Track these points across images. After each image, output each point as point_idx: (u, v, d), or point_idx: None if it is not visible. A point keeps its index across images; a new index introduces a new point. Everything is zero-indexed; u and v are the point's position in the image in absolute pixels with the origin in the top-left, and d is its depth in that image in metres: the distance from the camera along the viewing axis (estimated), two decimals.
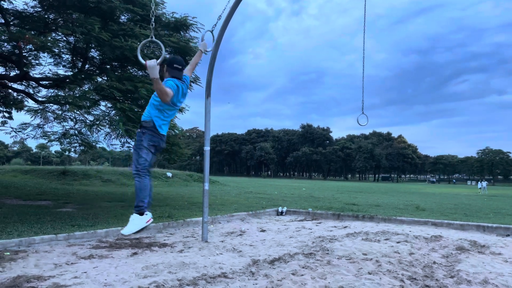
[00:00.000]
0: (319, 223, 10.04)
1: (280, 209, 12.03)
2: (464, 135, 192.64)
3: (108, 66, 11.87)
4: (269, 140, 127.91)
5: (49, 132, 11.75)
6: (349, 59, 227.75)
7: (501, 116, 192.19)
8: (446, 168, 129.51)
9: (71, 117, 11.49)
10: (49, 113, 12.08)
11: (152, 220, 4.27)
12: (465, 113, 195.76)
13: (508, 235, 8.44)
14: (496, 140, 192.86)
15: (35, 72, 11.68)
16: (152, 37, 4.59)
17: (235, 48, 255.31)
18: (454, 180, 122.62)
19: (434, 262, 5.56)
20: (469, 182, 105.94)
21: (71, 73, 11.60)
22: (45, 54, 11.05)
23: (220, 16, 5.98)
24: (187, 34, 11.97)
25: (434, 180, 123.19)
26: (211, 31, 5.48)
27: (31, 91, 12.44)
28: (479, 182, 43.82)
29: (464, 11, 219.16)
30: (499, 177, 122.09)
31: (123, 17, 10.97)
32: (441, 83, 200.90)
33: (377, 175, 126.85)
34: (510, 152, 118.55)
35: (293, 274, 4.85)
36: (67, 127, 11.79)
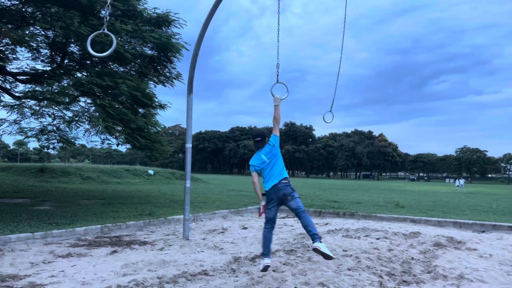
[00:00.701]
0: None
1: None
2: (443, 134, 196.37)
3: (88, 62, 11.66)
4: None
5: (26, 128, 11.47)
6: (331, 58, 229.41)
7: (478, 115, 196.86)
8: (426, 166, 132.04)
9: (49, 113, 11.22)
10: (26, 109, 11.78)
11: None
12: (444, 113, 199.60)
13: (483, 231, 8.66)
14: (474, 139, 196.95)
15: (12, 67, 11.38)
16: (104, 29, 4.77)
17: (219, 45, 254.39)
18: (425, 178, 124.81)
19: (412, 258, 5.66)
20: (447, 180, 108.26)
21: (50, 68, 11.35)
22: (23, 49, 10.77)
23: (278, 64, 5.55)
24: (169, 30, 11.86)
25: (414, 178, 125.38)
26: (284, 83, 5.65)
27: (7, 86, 12.12)
28: (456, 180, 44.80)
29: (444, 12, 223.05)
30: (476, 175, 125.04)
31: (103, 12, 10.78)
32: (421, 82, 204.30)
33: (358, 173, 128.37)
34: (486, 151, 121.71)
35: (274, 270, 4.87)
36: (45, 123, 11.52)
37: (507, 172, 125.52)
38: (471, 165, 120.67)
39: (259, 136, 5.02)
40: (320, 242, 4.31)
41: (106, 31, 4.62)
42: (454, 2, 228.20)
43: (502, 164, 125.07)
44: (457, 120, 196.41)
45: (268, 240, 4.55)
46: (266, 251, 4.47)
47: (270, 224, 4.67)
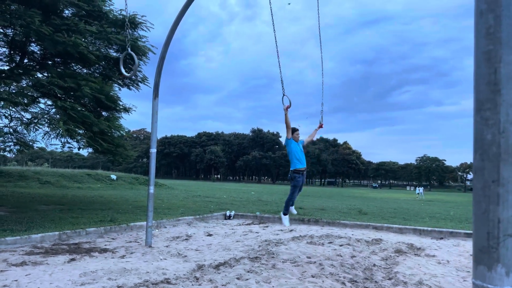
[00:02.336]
0: (266, 226, 10.11)
1: (228, 213, 11.98)
2: (404, 142, 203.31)
3: (50, 62, 11.27)
4: (219, 144, 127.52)
5: None
6: (298, 66, 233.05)
7: (438, 125, 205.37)
8: (388, 174, 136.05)
9: (6, 114, 10.73)
10: None
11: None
12: (406, 122, 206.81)
13: (441, 238, 8.97)
14: (433, 148, 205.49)
15: None
16: (128, 49, 5.20)
17: (187, 49, 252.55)
18: (374, 185, 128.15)
19: (374, 265, 5.77)
20: (408, 188, 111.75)
21: (8, 67, 10.86)
22: None
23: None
24: (135, 33, 11.65)
25: (377, 185, 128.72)
26: (287, 96, 7.48)
27: None
28: (416, 188, 46.36)
29: (407, 25, 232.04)
30: (435, 183, 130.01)
31: (67, 12, 10.48)
32: (384, 92, 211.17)
33: (323, 180, 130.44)
34: (445, 160, 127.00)
35: (237, 278, 4.83)
36: (1, 125, 11.00)
37: (464, 181, 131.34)
38: (431, 173, 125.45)
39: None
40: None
41: (129, 51, 4.61)
42: (416, 16, 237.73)
43: (459, 173, 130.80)
44: (418, 129, 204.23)
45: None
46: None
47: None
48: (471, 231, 9.18)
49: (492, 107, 1.08)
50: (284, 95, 7.50)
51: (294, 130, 7.61)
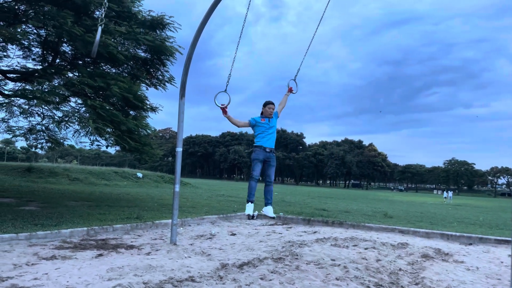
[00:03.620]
0: (290, 227, 10.07)
1: (251, 213, 11.98)
2: (431, 145, 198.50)
3: (80, 62, 11.57)
4: (243, 144, 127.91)
5: (14, 127, 11.31)
6: (324, 67, 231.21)
7: (467, 128, 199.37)
8: (414, 177, 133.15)
9: (39, 112, 11.09)
10: (15, 107, 11.63)
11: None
12: (433, 124, 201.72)
13: (470, 244, 8.71)
14: (462, 151, 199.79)
15: (2, 64, 11.24)
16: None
17: (213, 50, 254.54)
18: (400, 188, 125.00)
19: (400, 269, 5.66)
20: (435, 191, 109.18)
21: (41, 67, 11.23)
22: (14, 46, 10.65)
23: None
24: (163, 33, 11.83)
25: (402, 188, 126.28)
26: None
27: None
28: (444, 192, 45.21)
29: (436, 25, 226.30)
30: (463, 187, 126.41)
31: (97, 12, 10.73)
32: (411, 94, 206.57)
33: (347, 182, 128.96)
34: (474, 164, 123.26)
35: (261, 278, 4.83)
36: (33, 122, 11.37)
37: (494, 185, 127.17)
38: (459, 177, 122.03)
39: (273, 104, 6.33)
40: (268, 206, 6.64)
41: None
42: (446, 16, 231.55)
43: (489, 177, 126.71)
44: (446, 132, 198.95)
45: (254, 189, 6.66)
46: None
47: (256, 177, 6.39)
48: (502, 237, 8.89)
49: None
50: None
51: (267, 103, 6.21)
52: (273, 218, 6.67)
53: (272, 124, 6.31)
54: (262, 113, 6.32)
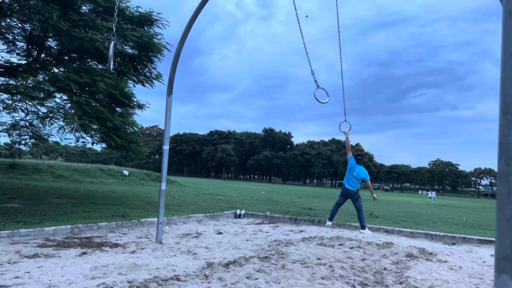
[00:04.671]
0: (276, 226, 10.08)
1: (238, 211, 11.99)
2: (417, 146, 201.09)
3: (66, 57, 11.39)
4: (231, 142, 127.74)
5: None
6: (313, 67, 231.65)
7: (452, 129, 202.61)
8: (400, 177, 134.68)
9: (22, 108, 10.89)
10: None
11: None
12: (419, 125, 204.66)
13: (454, 244, 8.83)
14: (447, 152, 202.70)
15: None
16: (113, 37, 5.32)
17: (202, 48, 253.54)
18: (386, 188, 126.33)
19: (385, 269, 5.70)
20: (420, 192, 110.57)
21: (25, 61, 11.03)
22: None
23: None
24: (151, 30, 11.72)
25: (388, 188, 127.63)
26: (323, 89, 7.51)
27: None
28: (429, 192, 45.82)
29: (424, 28, 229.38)
30: (447, 187, 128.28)
31: (84, 8, 10.58)
32: (399, 95, 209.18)
33: (334, 181, 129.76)
34: (458, 165, 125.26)
35: (247, 277, 4.81)
36: (17, 118, 11.16)
37: (477, 186, 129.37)
38: (443, 178, 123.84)
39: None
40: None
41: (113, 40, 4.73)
42: (433, 18, 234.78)
43: (473, 178, 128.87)
44: (431, 133, 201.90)
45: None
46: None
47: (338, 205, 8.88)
48: (484, 237, 9.04)
49: None
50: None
51: (360, 157, 8.70)
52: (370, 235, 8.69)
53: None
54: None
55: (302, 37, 6.91)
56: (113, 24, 4.80)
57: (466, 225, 12.59)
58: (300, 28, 6.81)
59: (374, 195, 9.27)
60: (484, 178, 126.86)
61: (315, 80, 6.75)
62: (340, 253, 6.64)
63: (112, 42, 4.68)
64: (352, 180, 8.69)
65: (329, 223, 8.85)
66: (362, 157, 9.05)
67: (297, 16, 6.70)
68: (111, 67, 4.87)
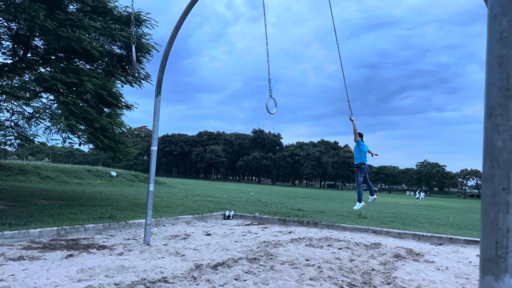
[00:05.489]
0: (265, 227, 10.08)
1: (227, 213, 11.96)
2: (405, 147, 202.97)
3: (53, 57, 11.25)
4: (220, 143, 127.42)
5: None
6: (302, 68, 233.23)
7: (439, 131, 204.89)
8: (388, 178, 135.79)
9: (8, 108, 10.71)
10: None
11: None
12: (407, 127, 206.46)
13: (440, 244, 8.93)
14: (434, 153, 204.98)
15: None
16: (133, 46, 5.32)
17: (192, 49, 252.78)
18: (375, 188, 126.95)
19: (373, 269, 5.74)
20: (408, 193, 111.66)
21: (11, 61, 10.86)
22: None
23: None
24: (139, 30, 11.63)
25: (376, 189, 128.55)
26: (274, 99, 7.47)
27: None
28: (416, 192, 46.29)
29: (411, 30, 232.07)
30: (434, 188, 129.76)
31: (71, 7, 10.47)
32: (387, 96, 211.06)
33: (323, 182, 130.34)
34: (445, 166, 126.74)
35: (235, 279, 4.80)
36: (2, 118, 10.98)
37: (464, 187, 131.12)
38: (431, 179, 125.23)
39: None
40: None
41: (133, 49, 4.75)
42: (421, 21, 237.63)
43: (459, 179, 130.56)
44: (419, 134, 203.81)
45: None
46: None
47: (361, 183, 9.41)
48: (470, 238, 9.15)
49: (503, 113, 1.05)
50: (271, 97, 7.61)
51: (361, 135, 9.42)
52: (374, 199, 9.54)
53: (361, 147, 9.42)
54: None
55: (267, 44, 6.93)
56: (132, 28, 4.82)
57: (452, 226, 12.75)
58: (266, 32, 6.81)
59: (375, 153, 9.97)
60: (471, 179, 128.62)
61: (270, 89, 7.00)
62: (329, 254, 6.66)
63: (133, 46, 4.78)
64: (363, 155, 9.51)
65: (361, 204, 9.29)
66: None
67: (265, 19, 6.70)
68: (136, 71, 5.07)
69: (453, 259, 7.12)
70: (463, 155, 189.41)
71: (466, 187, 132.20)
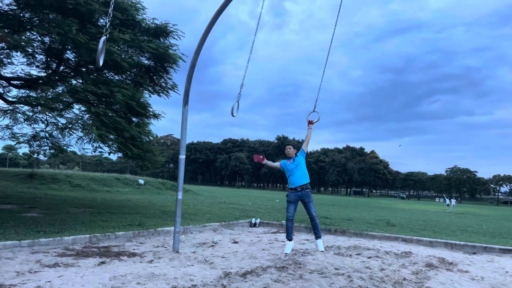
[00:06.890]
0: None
1: (253, 220, 11.97)
2: (433, 153, 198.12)
3: (84, 69, 11.62)
4: (244, 151, 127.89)
5: (18, 133, 11.32)
6: (326, 74, 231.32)
7: (469, 136, 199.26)
8: (416, 185, 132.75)
9: (42, 119, 11.12)
10: (19, 114, 11.66)
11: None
12: (435, 132, 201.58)
13: (474, 253, 8.65)
14: (464, 159, 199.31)
15: (6, 71, 11.29)
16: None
17: (216, 57, 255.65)
18: (402, 196, 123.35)
19: (404, 279, 5.62)
20: (437, 199, 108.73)
21: (45, 74, 11.28)
22: (18, 53, 10.71)
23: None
24: (166, 41, 11.88)
25: (404, 196, 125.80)
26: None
27: (0, 90, 12.01)
28: (447, 199, 45.02)
29: (439, 33, 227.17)
30: (465, 195, 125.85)
31: (102, 20, 10.80)
32: (414, 101, 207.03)
33: (349, 189, 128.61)
34: (476, 172, 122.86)
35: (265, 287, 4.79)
36: (37, 129, 11.39)
37: (496, 194, 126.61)
38: (461, 185, 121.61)
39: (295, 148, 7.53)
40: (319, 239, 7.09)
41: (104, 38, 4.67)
42: (448, 24, 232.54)
43: (492, 185, 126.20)
44: (448, 140, 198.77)
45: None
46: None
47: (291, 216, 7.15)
48: (506, 247, 8.83)
49: None
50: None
51: (285, 146, 7.70)
52: (322, 252, 7.12)
53: (297, 162, 7.21)
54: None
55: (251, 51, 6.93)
56: (107, 20, 4.95)
57: (486, 234, 12.32)
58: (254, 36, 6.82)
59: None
60: (504, 185, 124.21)
61: (239, 94, 7.29)
62: (358, 262, 6.56)
63: (104, 37, 4.73)
64: (299, 176, 7.25)
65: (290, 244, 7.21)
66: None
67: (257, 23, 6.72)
68: (101, 62, 4.83)
69: (489, 269, 6.89)
70: (496, 160, 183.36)
71: (499, 194, 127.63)
